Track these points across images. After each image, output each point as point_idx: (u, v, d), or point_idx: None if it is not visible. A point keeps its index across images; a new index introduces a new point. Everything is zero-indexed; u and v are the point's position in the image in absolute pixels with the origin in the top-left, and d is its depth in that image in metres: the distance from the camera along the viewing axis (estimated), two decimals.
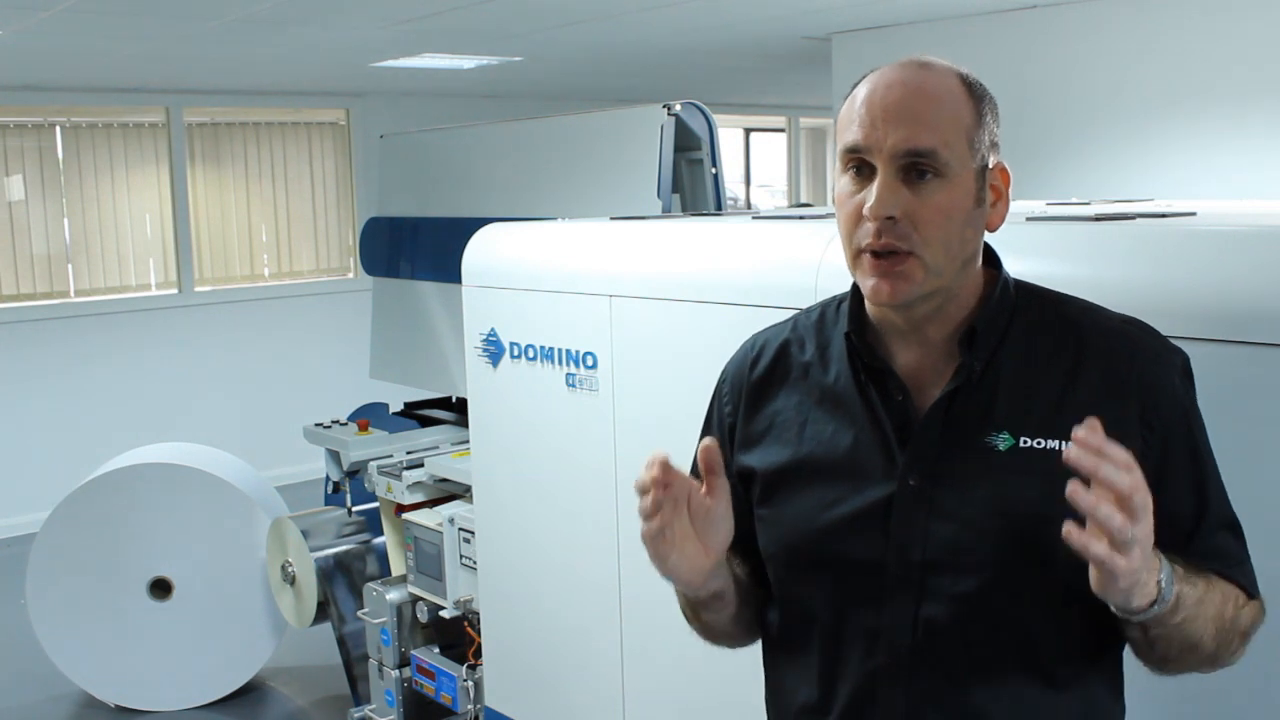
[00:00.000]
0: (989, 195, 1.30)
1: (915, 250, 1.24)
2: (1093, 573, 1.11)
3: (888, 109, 1.25)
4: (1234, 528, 1.32)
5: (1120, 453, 1.07)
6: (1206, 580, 1.24)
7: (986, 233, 1.33)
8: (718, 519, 1.28)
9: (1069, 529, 1.07)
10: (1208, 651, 1.24)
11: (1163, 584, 1.14)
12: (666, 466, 1.23)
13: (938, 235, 1.25)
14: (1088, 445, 1.07)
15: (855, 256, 1.29)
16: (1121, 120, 4.64)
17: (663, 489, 1.23)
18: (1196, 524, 1.29)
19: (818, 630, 1.36)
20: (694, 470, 1.30)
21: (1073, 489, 1.06)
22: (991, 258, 1.36)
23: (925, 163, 1.24)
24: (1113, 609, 1.16)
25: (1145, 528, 1.08)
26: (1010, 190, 1.33)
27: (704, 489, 1.26)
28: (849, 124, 1.28)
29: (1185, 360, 1.32)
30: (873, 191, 1.25)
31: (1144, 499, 1.07)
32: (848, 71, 5.41)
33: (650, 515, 1.23)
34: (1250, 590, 1.30)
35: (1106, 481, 1.06)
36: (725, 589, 1.37)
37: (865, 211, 1.25)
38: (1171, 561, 1.19)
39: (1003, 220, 1.33)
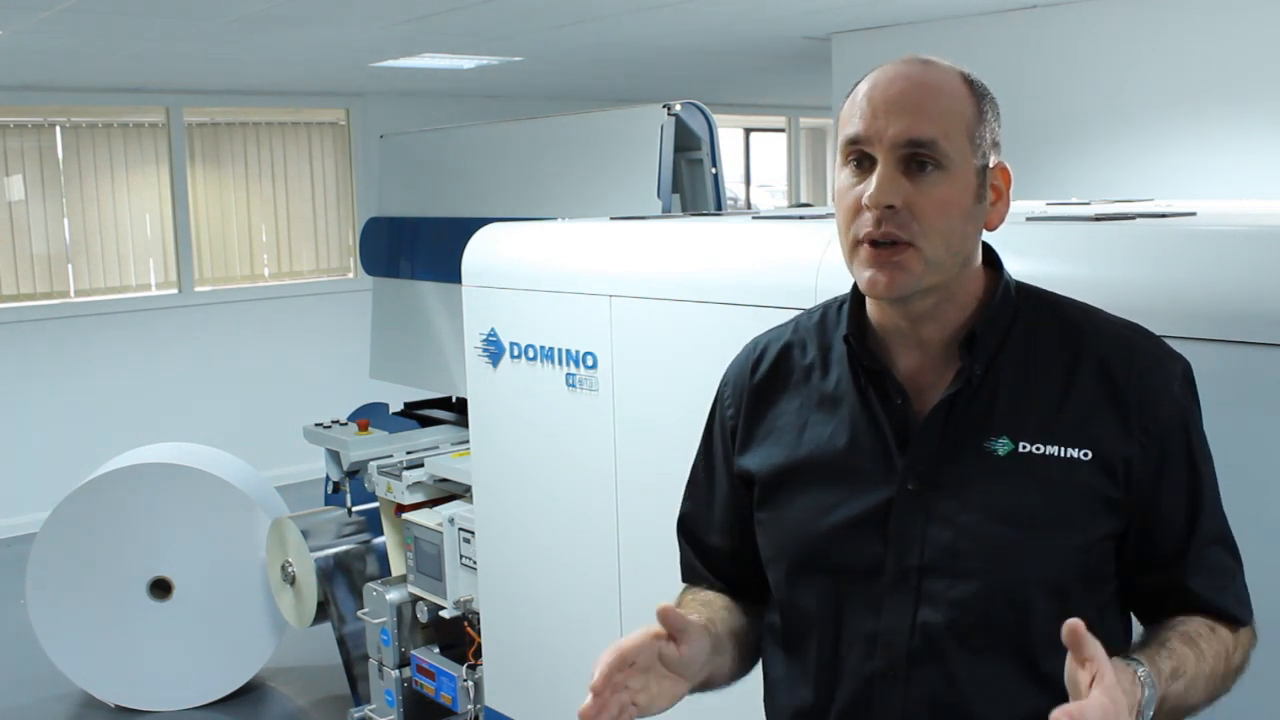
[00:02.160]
0: (989, 194, 1.30)
1: (915, 240, 1.24)
2: None
3: (889, 100, 1.25)
4: (1228, 542, 1.31)
5: (1094, 710, 1.03)
6: (1198, 655, 1.22)
7: (986, 232, 1.32)
8: (692, 658, 1.26)
9: None
10: (1202, 708, 1.25)
11: (1143, 706, 1.12)
12: (620, 660, 1.21)
13: (937, 227, 1.24)
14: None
15: (853, 248, 1.28)
16: (1121, 120, 4.64)
17: (613, 690, 1.20)
18: (1190, 536, 1.28)
19: (816, 633, 1.35)
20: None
21: None
22: (992, 260, 1.36)
23: (925, 153, 1.23)
24: None
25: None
26: (1011, 191, 1.33)
27: (673, 641, 1.24)
28: (850, 117, 1.28)
29: (1186, 367, 1.31)
30: (872, 182, 1.24)
31: (1116, 716, 1.04)
32: (848, 71, 5.41)
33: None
34: (1240, 615, 1.30)
35: None
36: (714, 674, 1.36)
37: (865, 201, 1.24)
38: (1159, 654, 1.19)
39: (1002, 220, 1.33)
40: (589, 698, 1.19)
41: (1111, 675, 1.06)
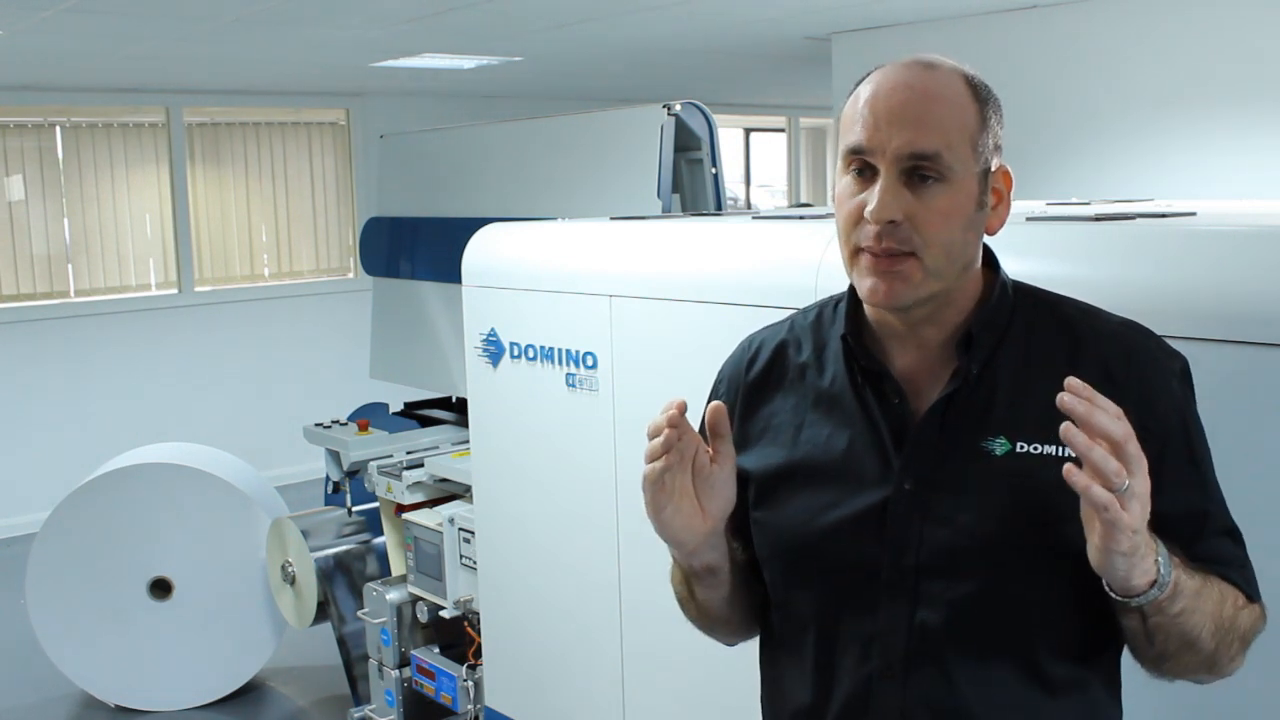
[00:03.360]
0: (990, 198, 1.30)
1: (917, 251, 1.24)
2: (1092, 545, 1.11)
3: (891, 111, 1.24)
4: (1233, 534, 1.31)
5: (1111, 404, 1.08)
6: (1204, 575, 1.23)
7: (985, 236, 1.32)
8: (718, 484, 1.28)
9: (1069, 468, 1.07)
10: (1206, 651, 1.23)
11: (1160, 564, 1.14)
12: (683, 415, 1.24)
13: (939, 238, 1.24)
14: (1080, 393, 1.08)
15: (853, 255, 1.28)
16: (1121, 120, 4.64)
17: (675, 435, 1.24)
18: (1194, 530, 1.27)
19: (813, 633, 1.35)
20: (701, 432, 1.31)
21: (1066, 430, 1.07)
22: (990, 260, 1.35)
23: (928, 166, 1.23)
24: (1111, 593, 1.16)
25: (1142, 483, 1.09)
26: (1011, 193, 1.32)
27: (709, 451, 1.27)
28: (852, 124, 1.27)
29: (1184, 364, 1.31)
30: (874, 194, 1.24)
31: (1137, 450, 1.08)
32: (848, 71, 5.41)
33: (657, 457, 1.24)
34: (1250, 593, 1.29)
35: (1099, 427, 1.07)
36: (720, 565, 1.36)
37: (867, 214, 1.24)
38: (1172, 553, 1.19)
39: (1003, 223, 1.32)
40: (663, 420, 1.24)
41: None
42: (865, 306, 1.35)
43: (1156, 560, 1.14)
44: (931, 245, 1.24)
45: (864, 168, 1.26)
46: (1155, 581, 1.14)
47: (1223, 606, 1.24)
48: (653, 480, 1.25)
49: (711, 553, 1.33)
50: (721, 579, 1.38)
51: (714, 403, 1.28)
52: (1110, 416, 1.08)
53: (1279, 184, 4.16)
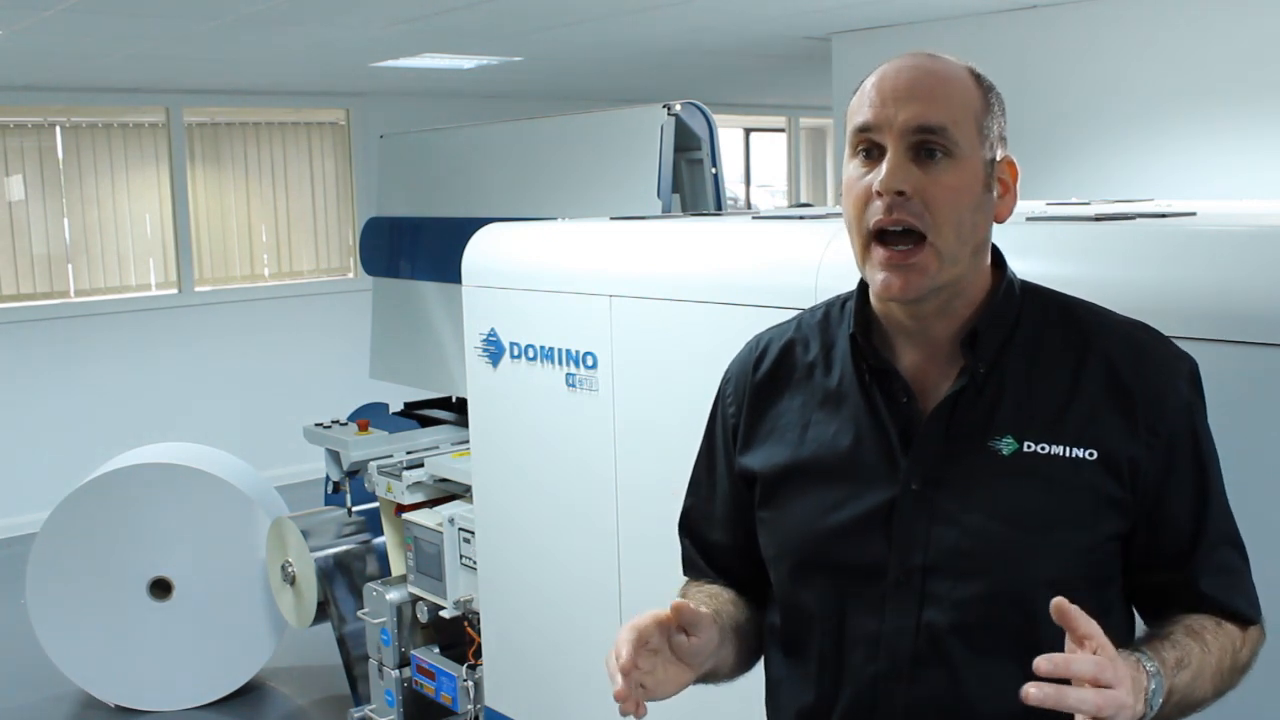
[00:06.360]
0: (997, 187, 1.30)
1: (928, 233, 1.23)
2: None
3: (898, 89, 1.25)
4: (1236, 543, 1.31)
5: (1085, 662, 1.03)
6: (1202, 646, 1.22)
7: (995, 224, 1.32)
8: (702, 647, 1.26)
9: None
10: (1207, 704, 1.24)
11: (1151, 696, 1.11)
12: (639, 639, 1.21)
13: (949, 216, 1.24)
14: (1052, 672, 1.03)
15: (865, 248, 1.27)
16: (1122, 120, 4.64)
17: (634, 669, 1.21)
18: (1198, 536, 1.28)
19: (818, 633, 1.35)
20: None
21: (1025, 694, 1.03)
22: (997, 259, 1.35)
23: (935, 140, 1.23)
24: None
25: (1123, 693, 1.05)
26: (1018, 185, 1.33)
27: (683, 631, 1.24)
28: (859, 107, 1.28)
29: (1193, 367, 1.31)
30: (883, 168, 1.24)
31: (1113, 674, 1.04)
32: (848, 71, 5.41)
33: (623, 701, 1.21)
34: (1249, 614, 1.29)
35: (1076, 707, 1.03)
36: (718, 666, 1.36)
37: (876, 186, 1.24)
38: (1164, 645, 1.18)
39: (1010, 212, 1.32)
40: (618, 679, 1.19)
41: (1112, 649, 1.06)
42: (873, 304, 1.35)
43: (1146, 697, 1.10)
44: (942, 225, 1.23)
45: (871, 148, 1.26)
46: (1144, 715, 1.10)
47: (1222, 664, 1.23)
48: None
49: (705, 666, 1.31)
50: (721, 673, 1.39)
51: (675, 604, 1.24)
52: (1082, 674, 1.03)
53: (1279, 184, 4.16)
